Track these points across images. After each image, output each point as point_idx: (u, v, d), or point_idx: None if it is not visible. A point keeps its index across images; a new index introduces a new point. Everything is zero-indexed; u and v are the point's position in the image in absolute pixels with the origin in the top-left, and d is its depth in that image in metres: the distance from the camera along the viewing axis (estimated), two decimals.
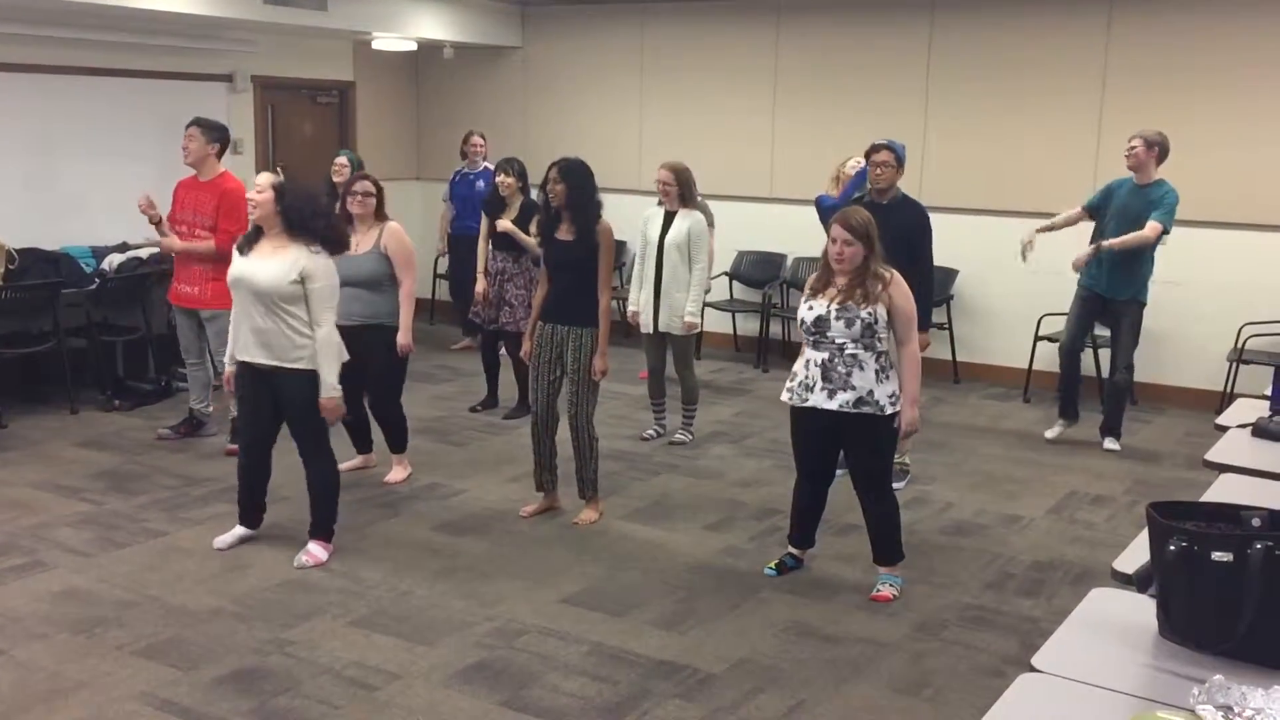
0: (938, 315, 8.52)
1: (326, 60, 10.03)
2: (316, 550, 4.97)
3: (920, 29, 8.60)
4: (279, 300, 4.69)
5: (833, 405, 4.49)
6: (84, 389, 7.44)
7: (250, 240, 4.83)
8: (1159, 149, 6.47)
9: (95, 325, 7.53)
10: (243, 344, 4.84)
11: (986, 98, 8.43)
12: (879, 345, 4.48)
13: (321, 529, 5.02)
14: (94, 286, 7.48)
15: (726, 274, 9.36)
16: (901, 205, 5.80)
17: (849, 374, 4.47)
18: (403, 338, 5.76)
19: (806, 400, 4.57)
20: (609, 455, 6.47)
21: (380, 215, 5.85)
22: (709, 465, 6.48)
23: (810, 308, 4.52)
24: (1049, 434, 7.05)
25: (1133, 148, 6.47)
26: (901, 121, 8.56)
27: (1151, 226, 6.34)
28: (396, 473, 6.07)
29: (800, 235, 8.67)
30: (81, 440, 6.71)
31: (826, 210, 5.95)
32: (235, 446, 6.72)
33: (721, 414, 7.55)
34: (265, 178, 4.82)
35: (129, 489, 5.88)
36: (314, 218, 4.78)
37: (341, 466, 5.95)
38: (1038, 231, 6.71)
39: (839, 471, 4.89)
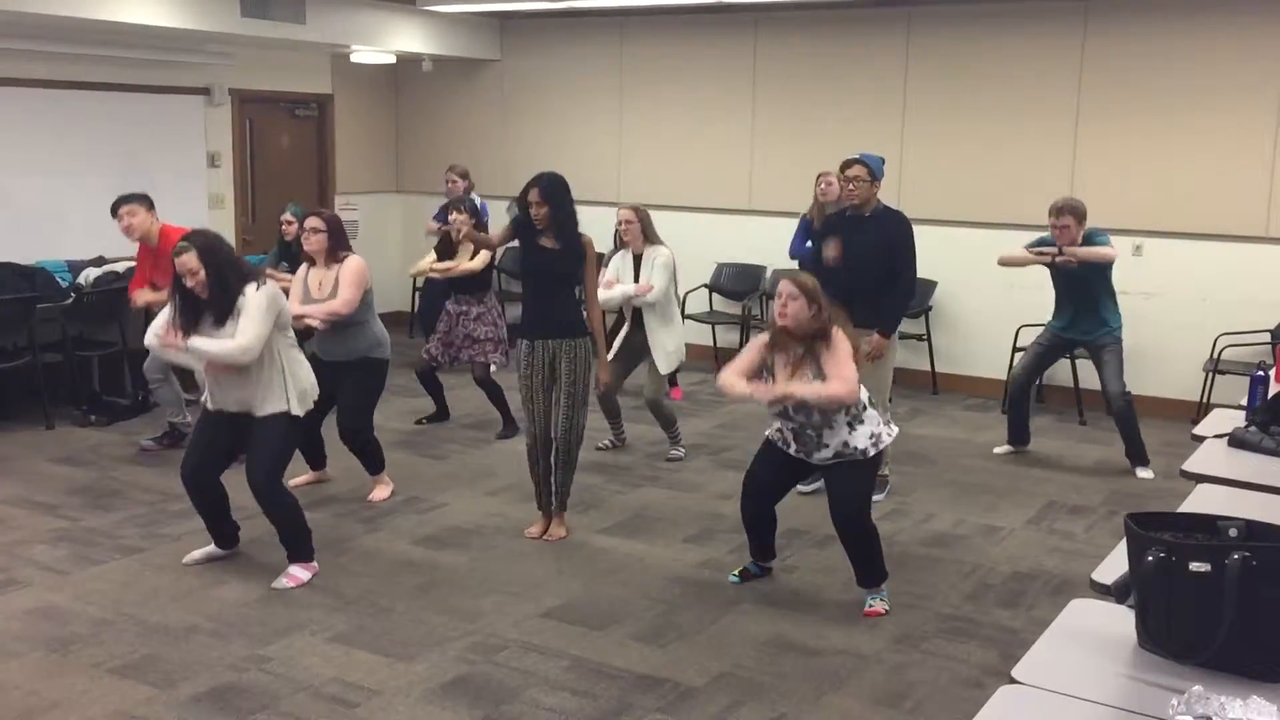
0: (916, 326, 8.57)
1: (305, 73, 10.01)
2: (297, 572, 4.91)
3: (897, 42, 8.65)
4: None
5: (812, 462, 4.56)
6: (59, 404, 7.39)
7: (191, 317, 4.62)
8: (1084, 216, 6.41)
9: (71, 340, 7.48)
10: (218, 399, 4.76)
11: (963, 110, 8.48)
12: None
13: (299, 554, 4.95)
14: (70, 301, 7.43)
15: (706, 286, 9.37)
16: (883, 216, 5.80)
17: (819, 436, 4.49)
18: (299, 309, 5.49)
19: (790, 449, 4.60)
20: (589, 468, 6.46)
21: (338, 252, 5.68)
22: (688, 478, 6.48)
23: (768, 367, 4.53)
24: (997, 450, 7.10)
25: (1065, 226, 6.32)
26: (879, 134, 8.61)
27: (1108, 249, 6.36)
28: (379, 491, 6.01)
29: (780, 247, 8.67)
30: (57, 456, 6.66)
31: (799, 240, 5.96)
32: (151, 444, 6.72)
33: (701, 426, 7.55)
34: (190, 259, 4.52)
35: (105, 505, 5.83)
36: (236, 282, 4.60)
37: (295, 481, 5.90)
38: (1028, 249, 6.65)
39: (807, 488, 4.90)
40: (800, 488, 4.88)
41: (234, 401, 4.75)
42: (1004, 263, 6.66)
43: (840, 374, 4.33)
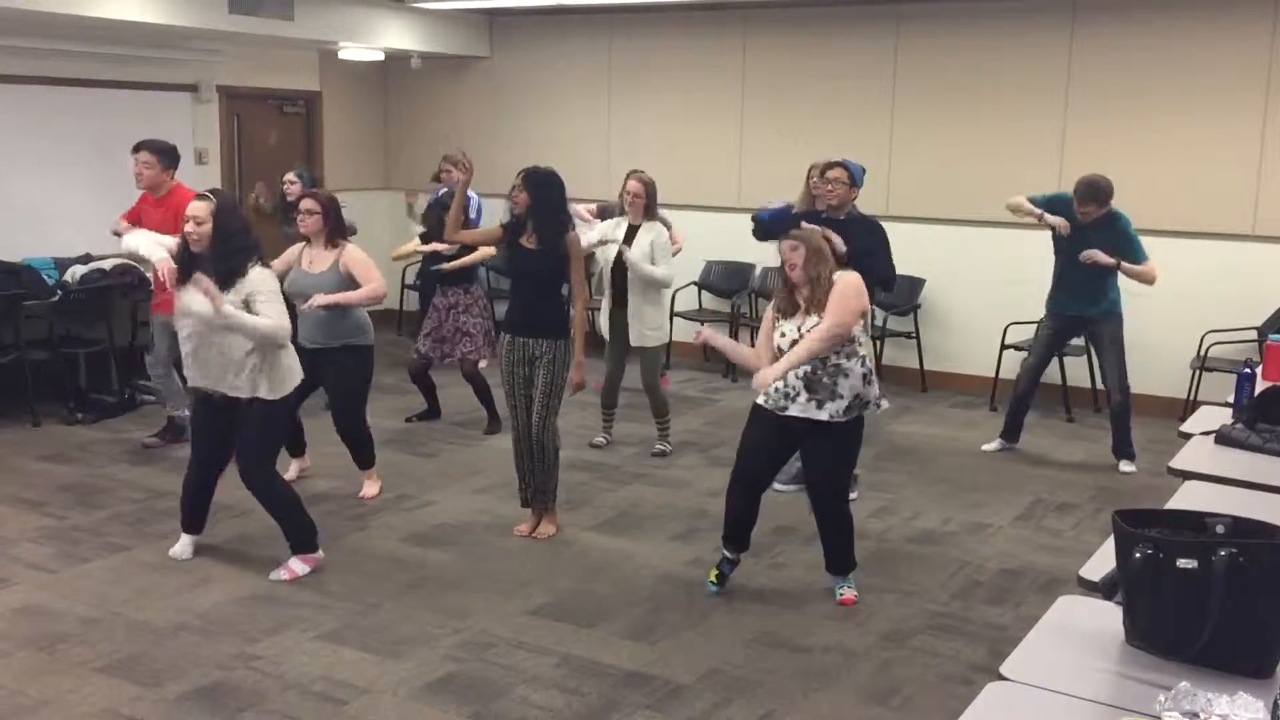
0: (904, 324, 8.59)
1: (293, 70, 9.98)
2: (295, 565, 4.91)
3: (886, 40, 8.66)
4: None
5: (823, 415, 4.49)
6: (46, 402, 7.34)
7: (185, 268, 4.62)
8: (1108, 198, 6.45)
9: (57, 337, 7.44)
10: (201, 374, 4.73)
11: (951, 108, 8.49)
12: (859, 350, 4.53)
13: (302, 544, 4.94)
14: (56, 298, 7.39)
15: (695, 284, 9.37)
16: (858, 222, 5.83)
17: (835, 384, 4.49)
18: (331, 299, 5.47)
19: (786, 409, 4.54)
20: (578, 465, 6.46)
21: (336, 235, 5.64)
22: (677, 475, 6.48)
23: (783, 334, 4.56)
24: (987, 447, 7.12)
25: (1085, 211, 6.40)
26: (867, 131, 8.62)
27: (1149, 266, 6.47)
28: (369, 489, 5.99)
29: (768, 245, 8.67)
30: (43, 454, 6.62)
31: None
32: (155, 441, 6.70)
33: (690, 424, 7.55)
34: (203, 208, 4.59)
35: (92, 503, 5.81)
36: (239, 252, 4.61)
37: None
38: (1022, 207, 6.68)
39: (784, 488, 4.88)
40: (776, 486, 4.88)
41: (211, 378, 4.71)
42: (1011, 208, 6.68)
43: (831, 310, 4.44)
